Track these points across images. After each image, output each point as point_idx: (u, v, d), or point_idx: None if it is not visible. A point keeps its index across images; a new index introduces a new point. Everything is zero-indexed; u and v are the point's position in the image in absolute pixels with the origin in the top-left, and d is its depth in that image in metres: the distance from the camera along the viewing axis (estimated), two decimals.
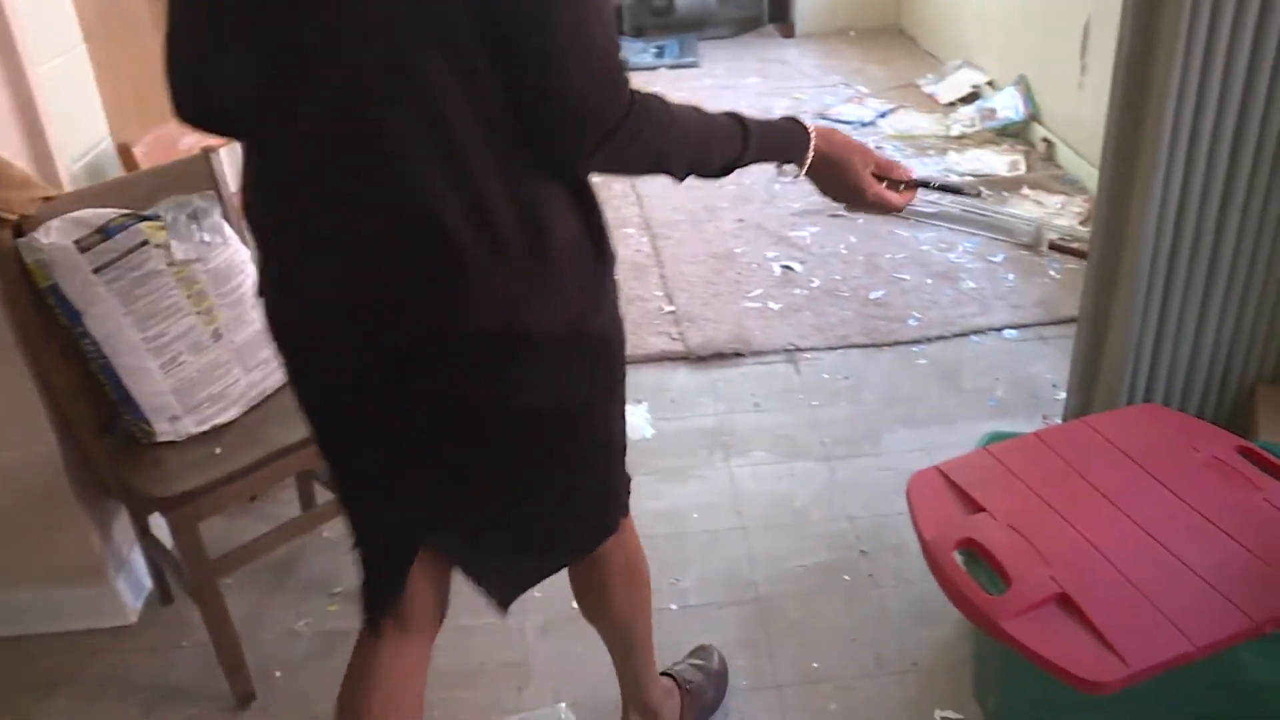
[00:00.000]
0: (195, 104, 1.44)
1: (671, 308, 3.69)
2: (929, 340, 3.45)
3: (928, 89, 5.76)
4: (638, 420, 3.13)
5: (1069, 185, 4.48)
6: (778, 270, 3.91)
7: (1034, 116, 4.97)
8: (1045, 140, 4.82)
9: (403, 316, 1.36)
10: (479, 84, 1.25)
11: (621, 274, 1.54)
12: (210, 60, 1.38)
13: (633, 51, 6.60)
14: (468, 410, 1.44)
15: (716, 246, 4.10)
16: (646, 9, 6.85)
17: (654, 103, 1.34)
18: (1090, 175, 4.44)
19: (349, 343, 1.41)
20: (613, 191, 4.57)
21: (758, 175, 4.71)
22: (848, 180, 1.71)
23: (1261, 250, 2.70)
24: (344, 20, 1.24)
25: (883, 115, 5.39)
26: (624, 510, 1.75)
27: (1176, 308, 2.73)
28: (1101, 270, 2.76)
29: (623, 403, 1.62)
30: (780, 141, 1.57)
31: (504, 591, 1.71)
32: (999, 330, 3.50)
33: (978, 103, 5.30)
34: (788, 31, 6.96)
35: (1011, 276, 3.81)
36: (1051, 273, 3.82)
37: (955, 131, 5.10)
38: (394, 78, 1.25)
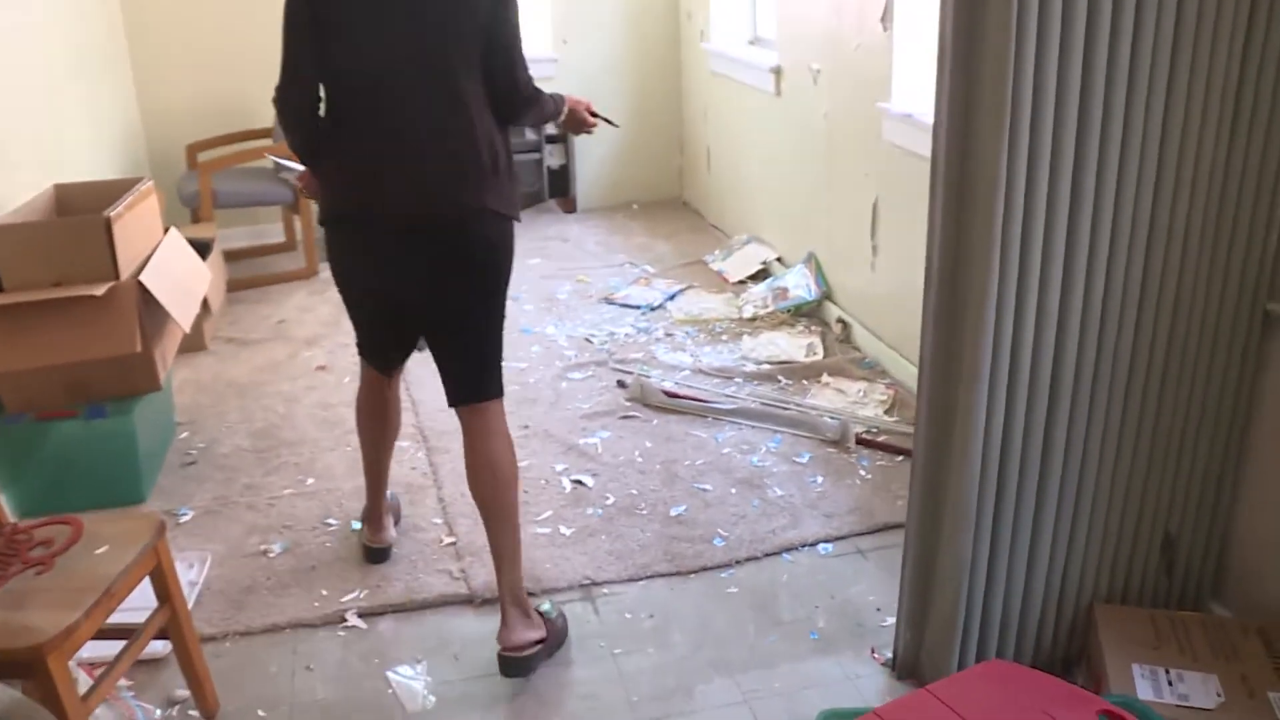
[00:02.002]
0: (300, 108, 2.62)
1: (452, 538, 3.28)
2: (739, 563, 3.13)
3: (715, 266, 5.59)
4: (415, 686, 2.69)
5: (869, 370, 4.30)
6: (568, 486, 3.55)
7: (827, 295, 4.81)
8: (841, 321, 4.65)
9: (432, 198, 2.54)
10: (476, 77, 2.52)
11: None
12: (307, 88, 2.59)
13: None
14: (453, 251, 2.58)
15: None
16: None
17: (540, 90, 2.65)
18: (890, 357, 4.27)
19: (400, 218, 2.57)
20: None
21: (543, 373, 4.39)
22: (576, 121, 2.96)
23: (1090, 466, 2.49)
24: (413, 45, 2.50)
25: (671, 297, 5.16)
26: (502, 390, 2.80)
27: (1008, 528, 2.49)
28: (927, 495, 2.50)
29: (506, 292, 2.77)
30: (559, 107, 2.84)
31: (450, 397, 2.77)
32: (813, 545, 3.21)
33: (769, 281, 5.13)
34: (569, 207, 6.76)
35: (821, 479, 3.54)
36: (862, 472, 3.58)
37: (748, 313, 4.90)
38: (438, 77, 2.50)
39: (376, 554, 3.20)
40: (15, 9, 4.16)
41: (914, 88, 3.97)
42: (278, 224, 6.11)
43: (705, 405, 4.01)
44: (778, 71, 5.11)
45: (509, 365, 4.45)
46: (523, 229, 6.76)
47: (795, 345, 4.55)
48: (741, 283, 5.34)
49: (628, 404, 4.09)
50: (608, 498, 3.47)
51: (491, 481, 2.72)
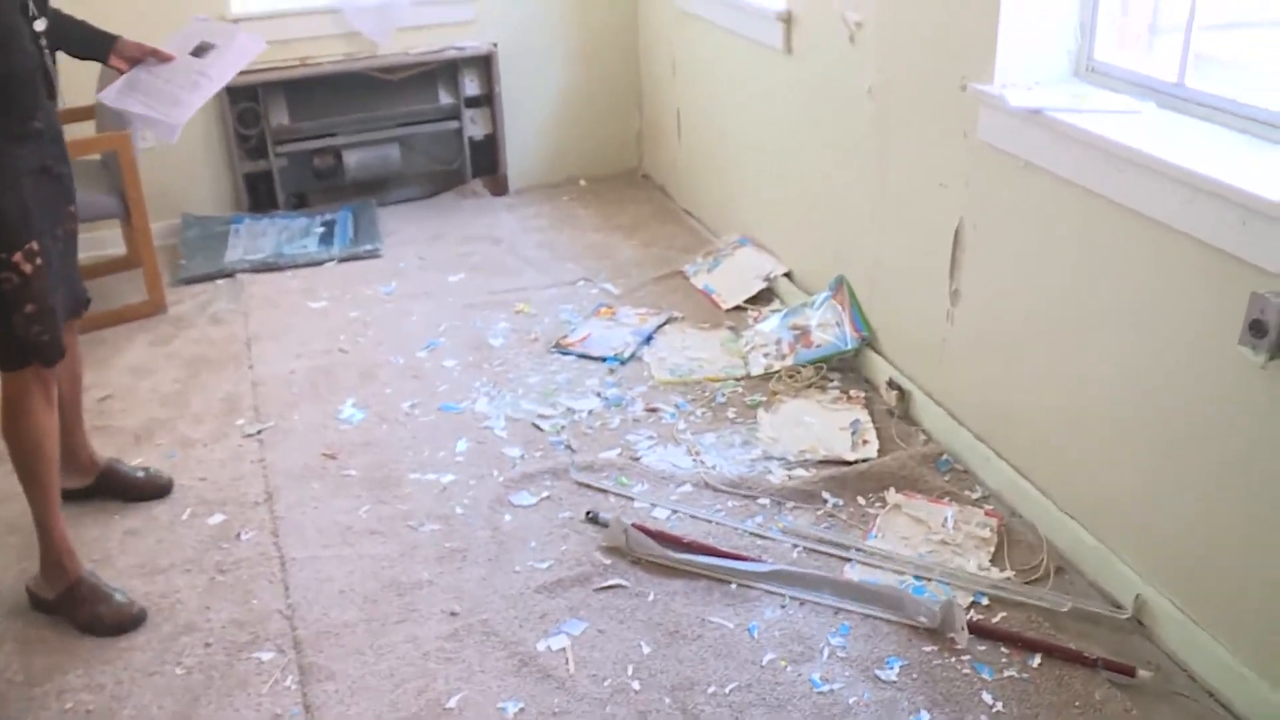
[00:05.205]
0: None
1: None
2: None
3: (700, 281, 4.19)
4: None
5: (949, 475, 2.96)
6: None
7: (868, 342, 3.45)
8: (895, 386, 3.29)
9: None
10: None
11: None
12: None
13: (292, 235, 4.76)
14: None
15: (415, 692, 2.33)
16: (307, 171, 5.04)
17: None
18: (976, 452, 2.94)
19: None
20: (243, 548, 2.78)
21: (475, 496, 2.96)
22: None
23: None
24: None
25: (648, 340, 3.76)
26: (13, 365, 2.44)
27: None
28: None
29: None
30: (97, 47, 2.74)
31: None
32: None
33: (781, 316, 3.74)
34: (499, 188, 5.29)
35: (927, 716, 2.21)
36: (986, 695, 2.25)
37: (757, 367, 3.53)
38: None
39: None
40: None
41: (1039, 66, 2.59)
42: (116, 229, 4.58)
43: (724, 566, 2.64)
44: (788, 20, 3.67)
45: (424, 477, 3.09)
46: (439, 222, 5.40)
47: (834, 425, 3.19)
48: (740, 308, 3.96)
49: (606, 559, 2.71)
50: None
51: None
